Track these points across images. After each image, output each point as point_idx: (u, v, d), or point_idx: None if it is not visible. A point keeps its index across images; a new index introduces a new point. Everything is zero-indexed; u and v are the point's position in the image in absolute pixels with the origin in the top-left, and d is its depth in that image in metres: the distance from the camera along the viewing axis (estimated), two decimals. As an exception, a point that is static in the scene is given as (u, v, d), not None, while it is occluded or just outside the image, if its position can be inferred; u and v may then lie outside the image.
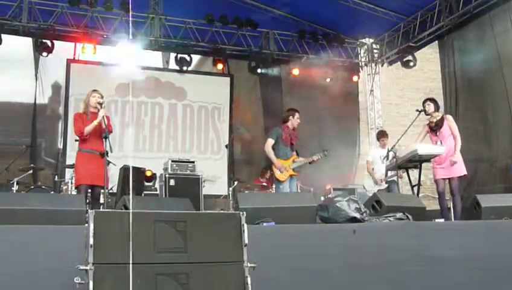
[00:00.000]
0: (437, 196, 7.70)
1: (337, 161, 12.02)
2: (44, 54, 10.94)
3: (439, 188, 7.56)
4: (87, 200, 6.54)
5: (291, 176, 7.98)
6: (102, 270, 2.88)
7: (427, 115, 7.75)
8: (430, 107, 7.69)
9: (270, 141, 8.06)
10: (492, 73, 10.10)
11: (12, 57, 11.09)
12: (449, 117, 7.79)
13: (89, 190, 6.82)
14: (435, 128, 7.63)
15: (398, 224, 5.44)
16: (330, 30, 13.04)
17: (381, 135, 9.66)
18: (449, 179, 7.43)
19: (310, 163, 8.15)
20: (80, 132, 6.67)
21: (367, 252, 4.77)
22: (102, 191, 7.10)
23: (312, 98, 12.38)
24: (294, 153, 8.14)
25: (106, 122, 6.69)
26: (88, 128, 6.64)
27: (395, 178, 8.47)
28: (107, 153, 6.73)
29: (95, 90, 6.95)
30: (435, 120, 7.65)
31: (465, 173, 7.48)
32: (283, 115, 8.51)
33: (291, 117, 8.18)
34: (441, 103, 10.88)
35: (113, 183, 9.14)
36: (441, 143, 7.46)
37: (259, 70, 12.78)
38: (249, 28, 12.25)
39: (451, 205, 7.51)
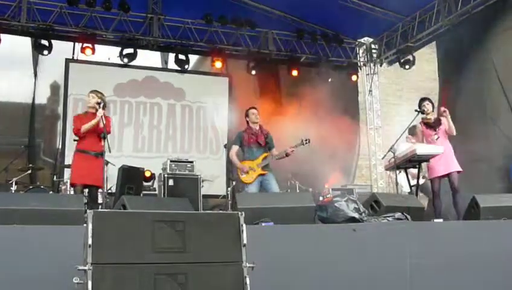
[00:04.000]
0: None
1: (336, 161, 12.05)
2: (43, 53, 10.91)
3: (434, 188, 7.59)
4: (86, 200, 6.54)
5: (260, 175, 7.69)
6: (101, 271, 2.88)
7: (423, 114, 7.77)
8: (429, 106, 7.74)
9: (233, 147, 7.99)
10: (491, 73, 10.10)
11: (11, 56, 11.09)
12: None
13: (86, 190, 6.83)
14: (433, 124, 7.66)
15: (396, 224, 5.45)
16: (329, 30, 13.05)
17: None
18: (449, 174, 7.46)
19: (286, 155, 7.74)
20: (76, 129, 6.69)
21: (366, 252, 4.78)
22: (100, 191, 7.11)
23: (311, 98, 12.38)
24: (264, 151, 7.82)
25: (104, 122, 6.69)
26: (85, 127, 6.64)
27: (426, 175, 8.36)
28: (103, 153, 6.75)
29: (92, 91, 6.98)
30: (432, 118, 7.70)
31: (461, 169, 7.51)
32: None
33: (247, 118, 8.06)
34: (437, 103, 10.92)
35: (112, 184, 9.14)
36: (438, 138, 7.50)
37: (257, 71, 12.75)
38: (248, 28, 12.24)
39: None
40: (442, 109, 7.57)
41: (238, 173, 7.91)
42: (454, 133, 7.55)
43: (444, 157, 7.41)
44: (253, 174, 7.68)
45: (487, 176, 9.79)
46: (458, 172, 7.47)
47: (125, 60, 11.59)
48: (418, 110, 7.76)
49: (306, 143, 7.84)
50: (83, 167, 6.68)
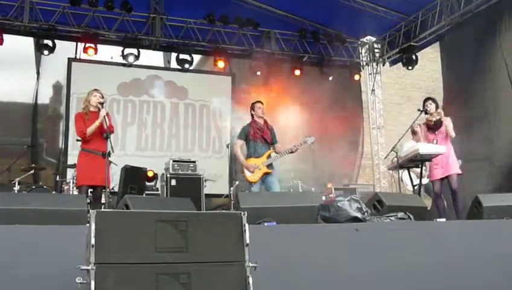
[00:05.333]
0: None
1: (339, 160, 12.04)
2: (46, 53, 10.92)
3: (435, 189, 7.61)
4: (89, 200, 6.54)
5: (265, 174, 7.61)
6: (104, 270, 2.88)
7: (427, 114, 7.77)
8: (432, 106, 7.72)
9: (238, 142, 7.88)
10: (494, 72, 10.08)
11: (14, 56, 11.11)
12: (448, 119, 7.74)
13: (91, 190, 6.83)
14: (433, 126, 7.67)
15: (399, 223, 5.44)
16: (331, 29, 13.04)
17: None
18: (447, 177, 7.45)
19: (291, 152, 7.65)
20: (82, 133, 6.67)
21: (369, 252, 4.77)
22: (103, 191, 7.12)
23: (313, 98, 12.38)
24: (269, 148, 7.75)
25: (108, 122, 6.69)
26: (90, 129, 6.64)
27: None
28: (109, 154, 6.74)
29: (96, 90, 6.95)
30: (434, 119, 7.68)
31: (461, 171, 7.52)
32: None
33: (252, 111, 7.93)
34: (441, 102, 10.88)
35: (115, 183, 9.15)
36: (437, 142, 7.52)
37: (260, 70, 12.74)
38: (250, 28, 12.24)
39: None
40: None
41: (243, 171, 7.83)
42: (453, 136, 7.56)
43: (443, 160, 7.42)
44: (259, 173, 7.60)
45: (490, 175, 9.77)
46: (459, 174, 7.48)
47: (131, 59, 11.58)
48: (421, 109, 7.77)
49: (311, 143, 7.79)
50: (89, 168, 6.68)
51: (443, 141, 7.55)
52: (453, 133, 7.54)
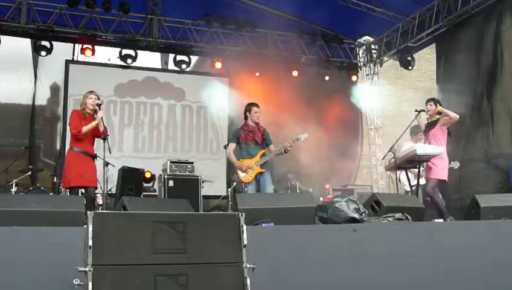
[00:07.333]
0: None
1: (337, 161, 12.03)
2: (43, 54, 10.91)
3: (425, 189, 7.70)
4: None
5: (259, 173, 7.60)
6: (102, 272, 2.88)
7: (428, 114, 7.78)
8: (432, 107, 7.71)
9: (231, 146, 7.89)
10: (491, 73, 10.09)
11: (11, 58, 11.09)
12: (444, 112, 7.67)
13: (82, 191, 6.84)
14: (427, 128, 7.70)
15: (397, 224, 5.45)
16: (329, 30, 13.04)
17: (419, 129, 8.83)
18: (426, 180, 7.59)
19: (285, 152, 7.63)
20: (77, 129, 6.66)
21: (366, 252, 4.78)
22: (97, 192, 7.12)
23: (311, 99, 12.37)
24: (262, 148, 7.74)
25: (104, 125, 6.72)
26: (86, 129, 6.66)
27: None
28: (96, 156, 6.77)
29: (91, 92, 6.96)
30: (430, 121, 7.72)
31: (441, 177, 7.51)
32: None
33: (248, 113, 7.90)
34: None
35: (112, 185, 9.15)
36: (429, 144, 7.56)
37: (257, 71, 12.73)
38: (248, 29, 12.23)
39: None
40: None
41: (237, 172, 7.84)
42: (456, 117, 7.52)
43: (428, 163, 7.47)
44: (252, 173, 7.60)
45: (487, 176, 9.78)
46: (441, 181, 7.52)
47: (129, 61, 11.57)
48: (418, 110, 7.78)
49: (305, 139, 7.77)
50: (79, 168, 6.68)
51: (434, 143, 7.56)
52: (454, 115, 7.50)
